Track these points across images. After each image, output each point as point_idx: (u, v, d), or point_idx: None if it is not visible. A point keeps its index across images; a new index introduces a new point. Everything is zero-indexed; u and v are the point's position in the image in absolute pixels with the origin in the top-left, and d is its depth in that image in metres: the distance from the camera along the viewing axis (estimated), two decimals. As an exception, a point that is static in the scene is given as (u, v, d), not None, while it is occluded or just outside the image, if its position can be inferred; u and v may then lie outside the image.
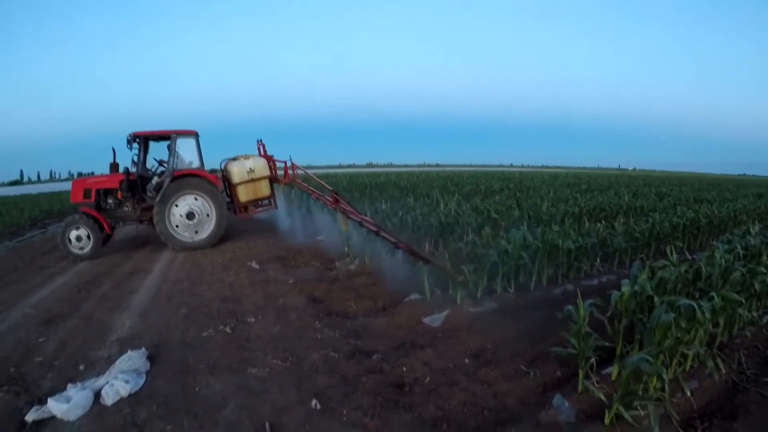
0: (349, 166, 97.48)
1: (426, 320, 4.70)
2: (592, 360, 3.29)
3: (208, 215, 8.52)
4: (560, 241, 5.80)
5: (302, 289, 5.85)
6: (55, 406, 3.10)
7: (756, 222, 8.52)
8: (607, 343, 3.55)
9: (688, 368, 3.55)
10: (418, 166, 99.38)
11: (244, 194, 9.02)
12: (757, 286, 4.13)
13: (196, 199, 8.41)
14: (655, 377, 2.94)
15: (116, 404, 3.24)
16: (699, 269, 4.35)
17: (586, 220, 8.09)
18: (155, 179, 8.74)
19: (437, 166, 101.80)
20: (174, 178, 8.29)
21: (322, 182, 8.99)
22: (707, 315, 3.23)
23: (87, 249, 7.88)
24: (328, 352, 4.02)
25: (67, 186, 8.70)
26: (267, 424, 2.97)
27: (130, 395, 3.33)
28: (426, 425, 3.01)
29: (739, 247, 5.21)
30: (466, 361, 3.88)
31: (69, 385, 3.37)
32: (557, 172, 38.03)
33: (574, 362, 3.45)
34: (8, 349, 4.21)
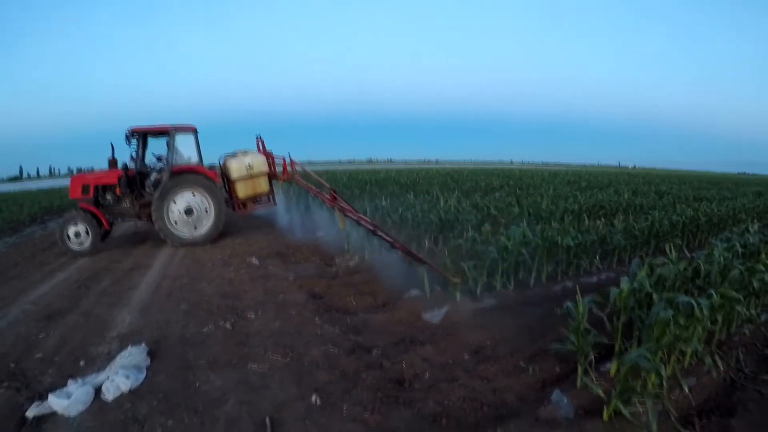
0: (349, 163, 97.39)
1: (426, 316, 4.71)
2: (591, 356, 3.31)
3: (206, 210, 8.51)
4: (560, 238, 5.81)
5: (302, 285, 5.86)
6: (55, 402, 3.11)
7: (755, 220, 8.54)
8: (605, 340, 3.57)
9: (686, 365, 3.56)
10: (418, 162, 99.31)
11: (242, 190, 9.00)
12: (755, 284, 4.14)
13: (193, 194, 8.39)
14: (654, 374, 2.95)
15: (117, 400, 3.25)
16: (698, 267, 4.36)
17: (586, 218, 8.11)
18: (154, 175, 8.73)
19: (437, 162, 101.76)
20: (172, 174, 8.28)
21: (320, 179, 8.98)
22: (706, 312, 3.24)
23: (86, 245, 7.88)
24: (328, 347, 4.03)
25: (67, 182, 8.68)
26: (267, 420, 2.98)
27: (130, 391, 3.34)
28: (426, 420, 3.03)
29: (738, 245, 5.22)
30: (466, 357, 3.89)
31: (69, 381, 3.38)
32: (557, 170, 38.06)
33: (573, 359, 3.46)
34: (8, 345, 4.22)
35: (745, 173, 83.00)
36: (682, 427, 2.87)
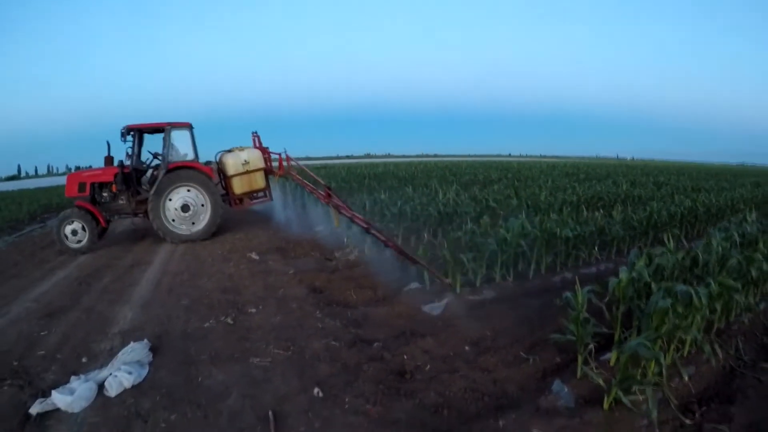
0: (347, 157, 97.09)
1: (426, 309, 4.73)
2: (591, 346, 3.32)
3: (203, 205, 8.50)
4: (558, 229, 5.81)
5: (302, 279, 5.87)
6: (59, 399, 3.12)
7: (753, 210, 8.55)
8: (605, 330, 3.59)
9: (686, 354, 3.59)
10: (417, 156, 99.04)
11: (239, 186, 8.99)
12: (753, 273, 4.16)
13: (188, 190, 8.37)
14: (653, 362, 2.97)
15: (120, 395, 3.26)
16: (696, 256, 4.38)
17: (584, 209, 8.11)
18: (150, 172, 8.70)
19: (435, 156, 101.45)
20: (168, 171, 8.26)
21: (315, 176, 8.97)
22: (704, 301, 3.25)
23: (84, 242, 7.87)
24: (330, 341, 4.05)
25: (65, 180, 8.66)
26: (270, 413, 3.00)
27: (133, 386, 3.35)
28: (427, 411, 3.05)
29: (736, 234, 5.24)
30: (466, 348, 3.91)
31: (72, 378, 3.39)
32: (555, 162, 37.99)
33: (573, 348, 3.48)
34: (11, 342, 4.22)
35: (744, 164, 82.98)
36: (682, 415, 2.89)
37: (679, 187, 14.03)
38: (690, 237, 8.14)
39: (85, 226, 7.85)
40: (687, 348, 3.60)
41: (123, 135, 8.24)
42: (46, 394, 3.25)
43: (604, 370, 3.31)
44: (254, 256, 7.21)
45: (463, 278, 5.22)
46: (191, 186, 8.37)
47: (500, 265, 5.50)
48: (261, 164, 9.15)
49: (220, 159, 9.12)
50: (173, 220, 8.35)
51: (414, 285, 5.35)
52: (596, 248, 6.49)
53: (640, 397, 2.91)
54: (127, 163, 8.48)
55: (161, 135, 8.43)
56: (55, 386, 3.30)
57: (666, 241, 4.53)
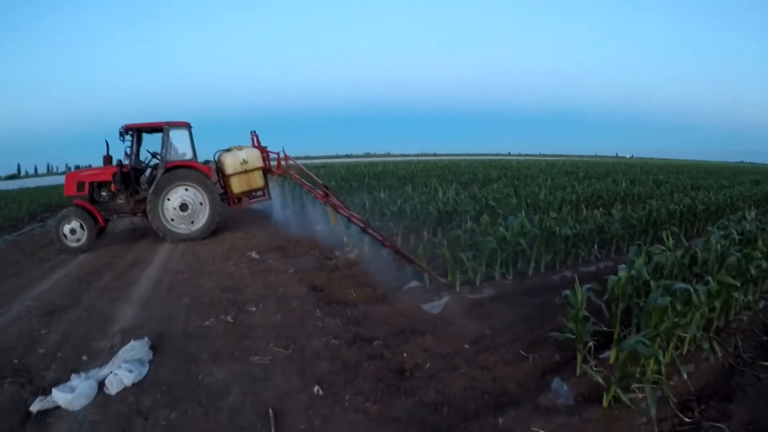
0: (347, 156, 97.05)
1: (425, 307, 4.74)
2: (590, 344, 3.33)
3: (201, 204, 8.50)
4: (558, 228, 5.82)
5: (302, 278, 5.88)
6: (59, 396, 3.13)
7: (752, 208, 8.56)
8: (604, 328, 3.61)
9: (685, 352, 3.60)
10: (416, 155, 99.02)
11: (237, 185, 9.00)
12: (753, 271, 4.17)
13: (186, 189, 8.37)
14: (652, 360, 2.97)
15: (120, 393, 3.27)
16: (695, 254, 4.38)
17: (584, 208, 8.12)
18: (148, 171, 8.70)
19: (435, 155, 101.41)
20: (166, 170, 8.26)
21: (313, 175, 8.97)
22: (703, 299, 3.26)
23: (83, 240, 7.87)
24: (330, 339, 4.06)
25: (64, 179, 8.68)
26: (270, 411, 3.01)
27: (133, 384, 3.36)
28: (427, 409, 3.06)
29: (735, 232, 5.23)
30: (466, 346, 3.92)
31: (73, 376, 3.39)
32: (555, 161, 38.02)
33: (572, 346, 3.49)
34: (11, 341, 4.23)
35: (743, 162, 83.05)
36: (681, 413, 2.90)
37: (679, 186, 14.05)
38: (689, 235, 8.16)
39: (83, 225, 7.86)
40: (686, 346, 3.61)
41: (122, 134, 8.24)
42: (46, 391, 3.26)
43: (603, 368, 3.33)
44: (254, 254, 7.22)
45: (462, 277, 5.22)
46: (189, 185, 8.37)
47: (500, 264, 5.51)
48: (259, 163, 9.16)
49: (219, 158, 9.12)
50: (172, 219, 8.35)
51: (414, 283, 5.35)
52: (596, 247, 6.51)
53: (639, 395, 2.93)
54: (126, 162, 8.49)
55: (160, 134, 8.43)
56: (56, 384, 3.30)
57: (665, 239, 4.54)
